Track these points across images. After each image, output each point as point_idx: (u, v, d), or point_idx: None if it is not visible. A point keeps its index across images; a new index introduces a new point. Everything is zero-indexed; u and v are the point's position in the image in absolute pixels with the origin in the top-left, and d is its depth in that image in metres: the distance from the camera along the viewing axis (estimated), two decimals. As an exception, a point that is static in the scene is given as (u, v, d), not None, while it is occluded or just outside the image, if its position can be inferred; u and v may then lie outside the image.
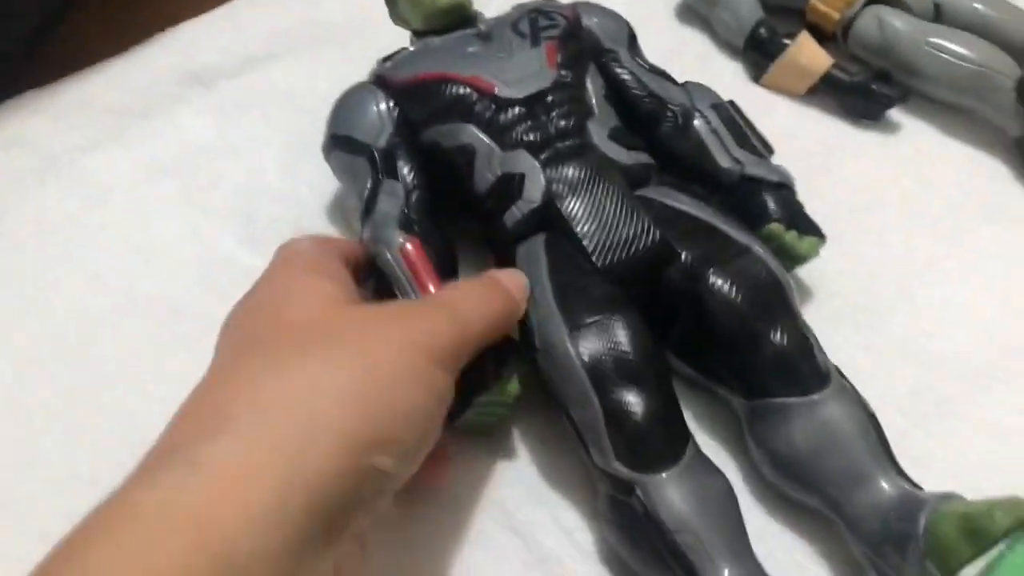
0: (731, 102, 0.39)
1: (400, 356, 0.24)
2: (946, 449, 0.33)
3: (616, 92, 0.38)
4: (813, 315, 0.34)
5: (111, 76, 0.44)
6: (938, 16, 0.44)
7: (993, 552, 0.25)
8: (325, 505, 0.20)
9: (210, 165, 0.42)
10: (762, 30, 0.45)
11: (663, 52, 0.47)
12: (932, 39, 0.42)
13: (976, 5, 0.43)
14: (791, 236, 0.34)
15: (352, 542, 0.23)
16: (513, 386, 0.31)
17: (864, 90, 0.43)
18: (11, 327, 0.37)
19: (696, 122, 0.37)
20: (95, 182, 0.41)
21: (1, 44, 0.43)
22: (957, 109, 0.43)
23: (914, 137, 0.43)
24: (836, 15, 0.45)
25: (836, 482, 0.29)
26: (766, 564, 0.28)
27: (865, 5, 0.44)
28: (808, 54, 0.44)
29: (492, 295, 0.30)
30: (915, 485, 0.29)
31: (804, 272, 0.37)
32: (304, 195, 0.41)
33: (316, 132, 0.38)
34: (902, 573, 0.27)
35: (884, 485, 0.29)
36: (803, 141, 0.43)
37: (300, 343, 0.24)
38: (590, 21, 0.39)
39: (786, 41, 0.44)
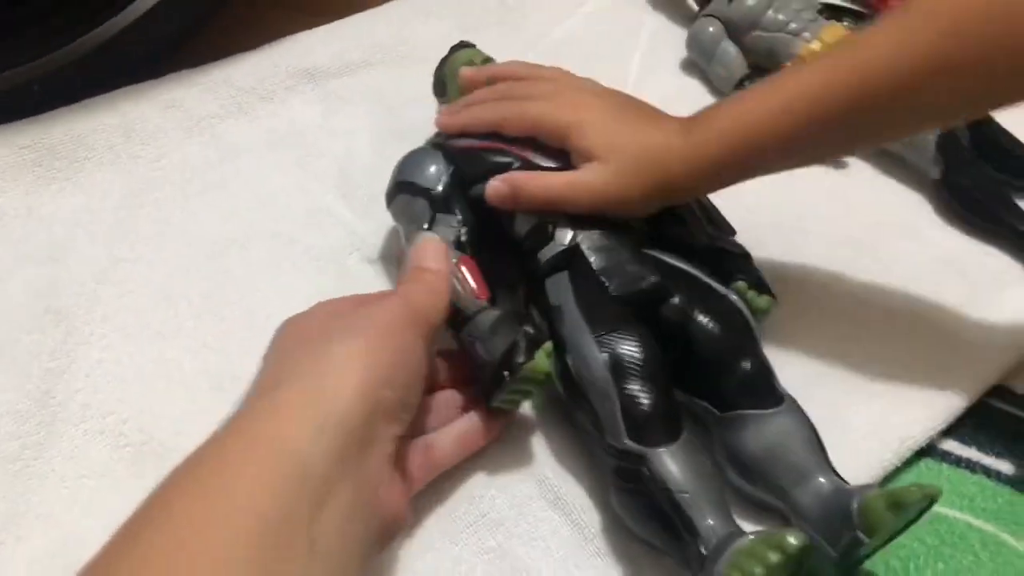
0: None
1: (396, 329, 0.34)
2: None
3: None
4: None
5: (245, 66, 0.57)
6: (881, 84, 0.56)
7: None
8: (353, 421, 0.30)
9: (315, 141, 0.54)
10: (746, 83, 0.58)
11: (670, 95, 0.59)
12: (874, 101, 0.54)
13: (911, 78, 0.56)
14: (752, 293, 0.43)
15: (382, 458, 0.32)
16: (542, 364, 0.37)
17: (820, 134, 0.55)
18: (161, 242, 0.48)
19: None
20: (227, 143, 0.53)
21: (176, 23, 0.56)
22: (891, 155, 0.55)
23: (855, 174, 0.55)
24: (804, 76, 0.57)
25: (786, 477, 0.37)
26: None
27: (827, 71, 0.56)
28: (780, 103, 0.56)
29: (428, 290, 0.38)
30: (845, 481, 0.36)
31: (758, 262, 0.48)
32: (387, 170, 0.50)
33: (400, 125, 0.49)
34: (838, 542, 0.34)
35: (823, 480, 0.36)
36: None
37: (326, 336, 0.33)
38: None
39: (764, 92, 0.57)
